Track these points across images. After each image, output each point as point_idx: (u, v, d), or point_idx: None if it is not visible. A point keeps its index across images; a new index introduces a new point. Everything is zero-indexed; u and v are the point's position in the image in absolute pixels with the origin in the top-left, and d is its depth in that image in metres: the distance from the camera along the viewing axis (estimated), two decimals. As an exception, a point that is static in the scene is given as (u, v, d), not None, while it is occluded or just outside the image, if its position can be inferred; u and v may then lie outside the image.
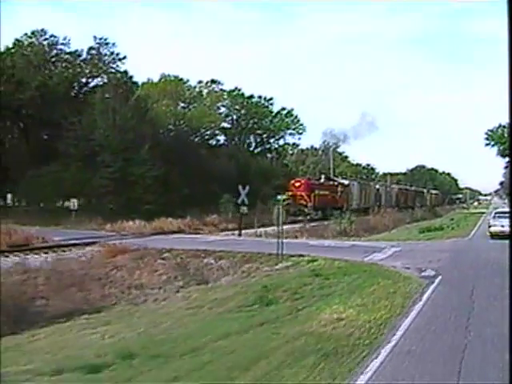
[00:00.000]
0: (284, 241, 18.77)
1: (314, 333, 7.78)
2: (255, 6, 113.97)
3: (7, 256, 19.38)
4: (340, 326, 8.11)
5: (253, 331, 8.44)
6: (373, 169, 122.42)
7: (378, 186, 68.77)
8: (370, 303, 9.88)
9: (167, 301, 14.41)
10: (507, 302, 7.17)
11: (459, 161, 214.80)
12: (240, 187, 27.40)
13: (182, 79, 62.52)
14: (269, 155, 66.91)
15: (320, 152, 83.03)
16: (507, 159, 70.81)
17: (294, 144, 78.23)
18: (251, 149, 66.91)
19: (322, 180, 53.08)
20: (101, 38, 46.30)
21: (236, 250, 20.79)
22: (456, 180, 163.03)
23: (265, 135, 66.53)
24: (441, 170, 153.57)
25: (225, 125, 63.01)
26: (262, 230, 27.90)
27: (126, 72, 45.79)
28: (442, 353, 6.74)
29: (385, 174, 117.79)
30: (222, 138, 64.15)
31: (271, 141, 68.31)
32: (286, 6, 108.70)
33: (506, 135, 63.65)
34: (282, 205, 19.74)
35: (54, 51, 46.47)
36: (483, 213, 63.31)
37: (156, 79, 58.57)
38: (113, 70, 45.83)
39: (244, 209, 27.38)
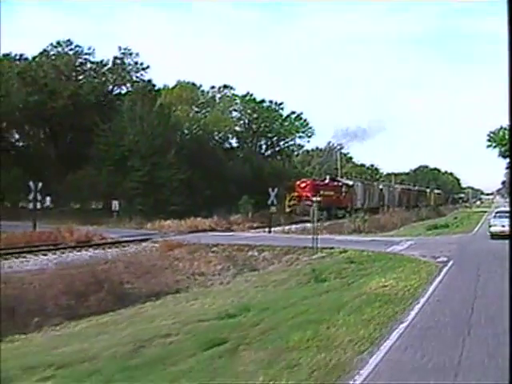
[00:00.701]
0: (310, 236, 22.54)
1: (370, 293, 11.48)
2: (255, 5, 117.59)
3: (79, 250, 23.11)
4: (386, 289, 11.81)
5: (324, 295, 12.13)
6: (377, 169, 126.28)
7: (381, 186, 70.87)
8: (402, 277, 13.59)
9: (231, 284, 18.06)
10: (504, 277, 10.75)
11: (461, 160, 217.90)
12: (270, 189, 31.21)
13: (195, 84, 66.51)
14: (279, 157, 70.78)
15: (325, 153, 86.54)
16: (508, 160, 74.64)
17: (298, 145, 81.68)
18: (262, 151, 70.75)
19: (327, 181, 54.76)
20: (125, 48, 50.22)
21: (273, 244, 24.54)
22: (458, 179, 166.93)
23: (275, 138, 70.37)
24: (443, 170, 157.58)
25: (237, 128, 66.90)
26: (287, 227, 31.67)
27: (149, 81, 49.59)
28: (460, 301, 10.48)
29: (389, 174, 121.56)
30: (233, 141, 68.23)
31: (281, 143, 72.20)
32: (287, 6, 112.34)
33: (507, 137, 67.25)
34: (317, 206, 23.22)
35: (79, 61, 50.35)
36: (485, 212, 66.87)
37: (164, 83, 62.15)
38: (137, 79, 49.67)
39: (273, 208, 31.18)
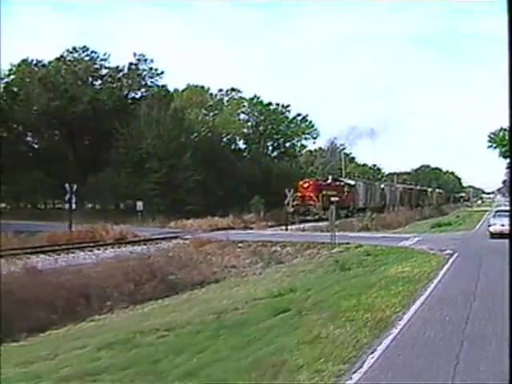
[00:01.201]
0: (324, 234, 25.19)
1: (392, 276, 14.13)
2: (254, 5, 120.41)
3: (119, 247, 25.74)
4: (405, 274, 14.45)
5: (353, 279, 14.79)
6: (379, 169, 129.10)
7: (382, 186, 72.42)
8: (416, 265, 16.24)
9: (263, 274, 20.71)
10: (503, 266, 13.39)
11: (462, 159, 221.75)
12: (286, 190, 33.91)
13: (203, 87, 69.17)
14: (286, 158, 73.40)
15: (328, 153, 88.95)
16: (508, 160, 77.42)
17: (302, 145, 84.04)
18: (268, 153, 73.39)
19: (329, 181, 56.03)
20: (140, 55, 52.90)
21: (292, 240, 27.23)
22: (459, 179, 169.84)
23: (281, 140, 73.05)
24: (444, 169, 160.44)
25: (244, 130, 69.55)
26: (302, 225, 34.39)
27: (164, 86, 52.27)
28: (466, 281, 13.16)
29: (390, 174, 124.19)
30: (240, 143, 70.85)
31: (287, 145, 74.86)
32: (288, 6, 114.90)
33: (507, 138, 69.99)
34: (335, 206, 25.90)
35: (95, 66, 52.98)
36: (486, 211, 69.51)
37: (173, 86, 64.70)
38: (151, 84, 52.39)
39: (289, 208, 33.90)
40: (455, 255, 19.12)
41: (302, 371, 6.30)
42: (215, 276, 20.81)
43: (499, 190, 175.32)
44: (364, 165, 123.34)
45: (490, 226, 27.58)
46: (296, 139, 74.99)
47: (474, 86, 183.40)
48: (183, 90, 66.45)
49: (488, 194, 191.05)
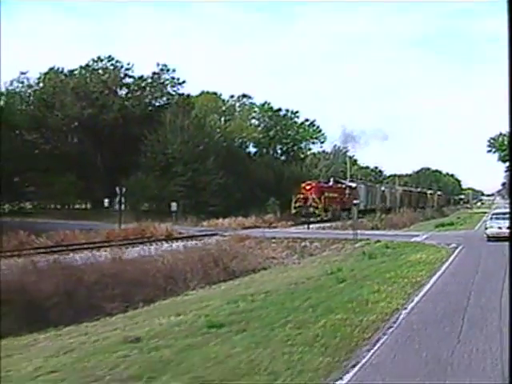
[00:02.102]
0: (343, 231, 30.10)
1: (413, 261, 19.05)
2: (253, 6, 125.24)
3: (171, 242, 30.56)
4: (422, 260, 19.37)
5: (382, 264, 19.68)
6: (380, 171, 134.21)
7: (383, 188, 76.02)
8: (430, 254, 21.17)
9: (302, 264, 25.57)
10: (498, 256, 18.38)
11: (462, 162, 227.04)
12: (293, 196, 38.95)
13: (216, 93, 74.08)
14: (294, 162, 78.30)
15: (332, 156, 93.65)
16: (507, 164, 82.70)
17: (309, 149, 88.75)
18: (277, 156, 78.40)
19: (331, 183, 58.23)
20: (163, 65, 57.84)
21: (318, 237, 32.17)
22: (459, 181, 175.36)
23: (290, 144, 78.09)
24: (444, 172, 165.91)
25: (254, 135, 74.47)
26: (322, 225, 39.43)
27: (187, 94, 57.15)
28: (470, 263, 18.16)
29: (390, 176, 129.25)
30: (251, 147, 75.78)
31: (295, 149, 79.93)
32: (284, 7, 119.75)
33: (505, 143, 75.38)
34: (358, 207, 30.85)
35: (120, 75, 57.87)
36: (485, 212, 74.31)
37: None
38: (173, 93, 57.31)
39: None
40: (460, 248, 24.07)
41: (380, 303, 11.21)
42: (262, 265, 25.65)
43: (499, 192, 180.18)
44: (366, 167, 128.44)
45: (486, 228, 28.09)
46: (304, 143, 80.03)
47: (474, 89, 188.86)
48: (197, 96, 71.32)
49: (488, 196, 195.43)
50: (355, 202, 32.09)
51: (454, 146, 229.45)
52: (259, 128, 75.48)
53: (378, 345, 8.16)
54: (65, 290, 15.52)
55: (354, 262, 21.86)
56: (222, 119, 72.89)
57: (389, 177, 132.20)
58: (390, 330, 9.12)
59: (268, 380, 6.66)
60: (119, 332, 10.82)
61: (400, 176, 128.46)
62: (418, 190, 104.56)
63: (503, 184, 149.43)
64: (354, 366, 7.21)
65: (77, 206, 58.01)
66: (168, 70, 57.54)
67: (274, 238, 31.94)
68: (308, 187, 51.48)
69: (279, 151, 78.39)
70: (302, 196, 49.74)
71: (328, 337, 8.42)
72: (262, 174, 62.46)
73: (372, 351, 7.83)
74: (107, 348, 8.82)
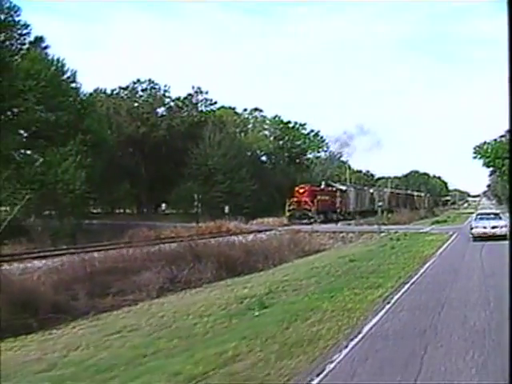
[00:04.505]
0: (361, 227, 43.93)
1: (429, 240, 32.58)
2: (242, 8, 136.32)
3: (237, 236, 43.59)
4: (434, 239, 32.88)
5: (406, 242, 33.29)
6: (372, 175, 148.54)
7: (371, 190, 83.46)
8: (438, 237, 34.74)
9: (349, 247, 38.98)
10: (482, 239, 31.96)
11: (449, 164, 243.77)
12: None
13: (231, 108, 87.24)
14: (300, 169, 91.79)
15: (327, 161, 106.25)
16: (491, 169, 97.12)
17: (315, 157, 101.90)
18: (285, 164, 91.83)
19: (323, 186, 63.33)
20: (198, 87, 70.99)
21: (348, 230, 45.71)
22: (446, 183, 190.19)
23: (297, 153, 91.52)
24: (432, 174, 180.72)
25: (269, 146, 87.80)
26: (346, 222, 53.27)
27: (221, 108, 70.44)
28: (464, 242, 31.80)
29: (380, 179, 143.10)
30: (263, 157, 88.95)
31: (301, 157, 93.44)
32: (274, 8, 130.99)
33: (489, 150, 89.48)
34: (381, 208, 44.50)
35: (160, 96, 70.89)
36: (472, 212, 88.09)
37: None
38: (207, 112, 70.52)
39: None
40: (456, 234, 37.69)
41: (425, 252, 24.87)
42: (322, 248, 38.99)
43: (484, 193, 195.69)
44: (359, 171, 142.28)
45: (472, 228, 31.71)
46: (309, 152, 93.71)
47: (459, 96, 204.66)
48: (215, 111, 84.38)
49: (473, 197, 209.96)
50: (379, 204, 45.82)
51: (440, 149, 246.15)
52: (270, 139, 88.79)
53: (433, 260, 21.76)
54: (235, 256, 28.76)
55: (384, 244, 35.45)
56: (237, 130, 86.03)
57: (378, 179, 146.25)
58: (434, 258, 22.73)
59: (394, 268, 20.10)
60: (284, 273, 24.08)
61: (389, 178, 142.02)
62: (405, 192, 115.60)
63: (488, 186, 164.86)
64: (427, 264, 20.76)
65: (128, 211, 70.86)
66: (202, 92, 70.88)
67: (318, 231, 45.36)
68: (301, 191, 56.30)
69: (287, 159, 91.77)
70: (295, 199, 54.93)
71: (412, 260, 21.97)
72: (278, 181, 75.93)
73: (432, 260, 21.42)
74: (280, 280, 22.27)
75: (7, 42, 42.50)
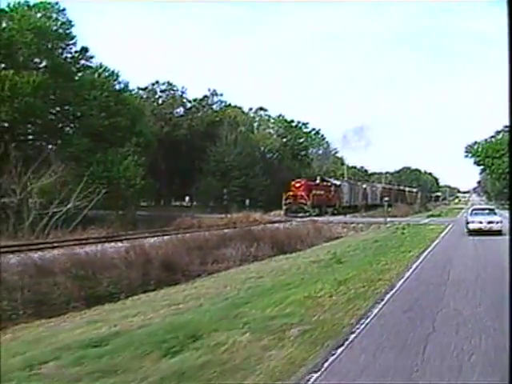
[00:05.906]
0: (371, 218, 52.72)
1: (428, 230, 41.28)
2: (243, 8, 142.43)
3: (265, 225, 52.00)
4: (435, 229, 41.49)
5: (412, 230, 42.09)
6: (366, 170, 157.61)
7: (364, 186, 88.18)
8: (437, 227, 43.43)
9: (361, 235, 47.60)
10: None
11: (439, 161, 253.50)
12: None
13: (238, 107, 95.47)
14: (302, 165, 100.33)
15: (323, 157, 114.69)
16: (482, 167, 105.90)
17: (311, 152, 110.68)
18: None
19: (318, 181, 67.21)
20: (213, 90, 79.23)
21: (358, 221, 54.40)
22: (437, 179, 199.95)
23: (299, 150, 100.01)
24: (423, 170, 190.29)
25: (275, 144, 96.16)
26: (352, 215, 62.04)
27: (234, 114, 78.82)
28: (459, 229, 40.53)
29: (374, 174, 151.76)
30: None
31: (302, 154, 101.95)
32: (270, 3, 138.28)
33: (479, 150, 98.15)
34: (386, 202, 53.28)
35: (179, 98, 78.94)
36: (462, 208, 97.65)
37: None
38: (222, 112, 78.81)
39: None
40: (451, 225, 46.30)
41: (431, 236, 33.60)
42: (338, 235, 47.64)
43: (474, 189, 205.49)
44: (353, 167, 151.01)
45: (468, 223, 33.50)
46: (310, 149, 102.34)
47: (450, 94, 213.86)
48: (223, 110, 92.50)
49: (463, 193, 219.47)
50: (386, 198, 54.61)
51: (432, 146, 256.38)
52: (274, 137, 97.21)
53: (438, 240, 30.50)
54: (280, 239, 37.26)
55: (394, 232, 44.18)
56: (243, 129, 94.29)
57: (371, 174, 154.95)
58: (439, 239, 31.43)
59: (412, 245, 28.83)
60: (317, 254, 32.64)
61: (382, 174, 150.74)
62: (397, 187, 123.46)
63: (478, 182, 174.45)
64: (435, 242, 29.50)
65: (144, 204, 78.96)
66: (217, 95, 79.21)
67: (332, 222, 54.01)
68: (297, 185, 59.50)
69: (290, 156, 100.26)
70: (291, 193, 58.39)
71: (423, 240, 30.67)
72: (284, 176, 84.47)
73: (438, 241, 30.13)
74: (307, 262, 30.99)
75: (65, 54, 50.19)
